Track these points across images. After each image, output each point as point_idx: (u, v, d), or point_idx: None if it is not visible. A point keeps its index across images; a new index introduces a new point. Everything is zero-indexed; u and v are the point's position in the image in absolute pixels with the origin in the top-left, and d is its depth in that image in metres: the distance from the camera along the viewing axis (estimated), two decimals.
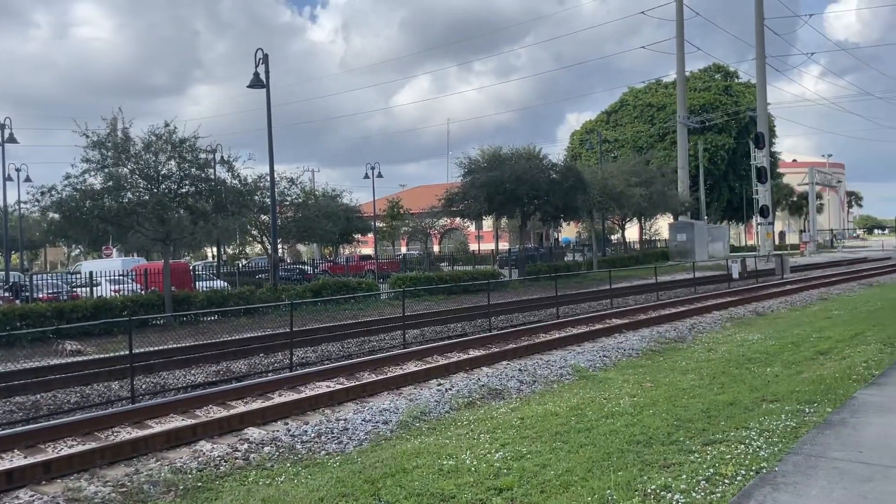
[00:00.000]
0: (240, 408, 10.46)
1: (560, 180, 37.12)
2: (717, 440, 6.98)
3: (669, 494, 5.53)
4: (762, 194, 50.37)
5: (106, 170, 21.51)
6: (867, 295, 24.01)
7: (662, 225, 64.58)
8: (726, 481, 5.78)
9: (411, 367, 13.27)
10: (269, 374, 13.31)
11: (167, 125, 22.33)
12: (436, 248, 71.34)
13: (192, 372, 13.81)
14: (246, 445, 8.21)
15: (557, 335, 16.44)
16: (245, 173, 24.92)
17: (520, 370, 12.18)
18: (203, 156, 23.44)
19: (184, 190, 22.91)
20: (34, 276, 29.46)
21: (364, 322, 20.04)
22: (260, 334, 18.10)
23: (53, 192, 21.16)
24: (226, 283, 30.68)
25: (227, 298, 23.77)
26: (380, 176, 48.12)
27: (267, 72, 25.80)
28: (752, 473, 5.89)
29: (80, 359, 15.22)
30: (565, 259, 50.21)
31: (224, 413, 10.07)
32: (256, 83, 25.56)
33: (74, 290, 25.88)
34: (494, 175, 35.26)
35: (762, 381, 9.83)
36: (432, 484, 6.15)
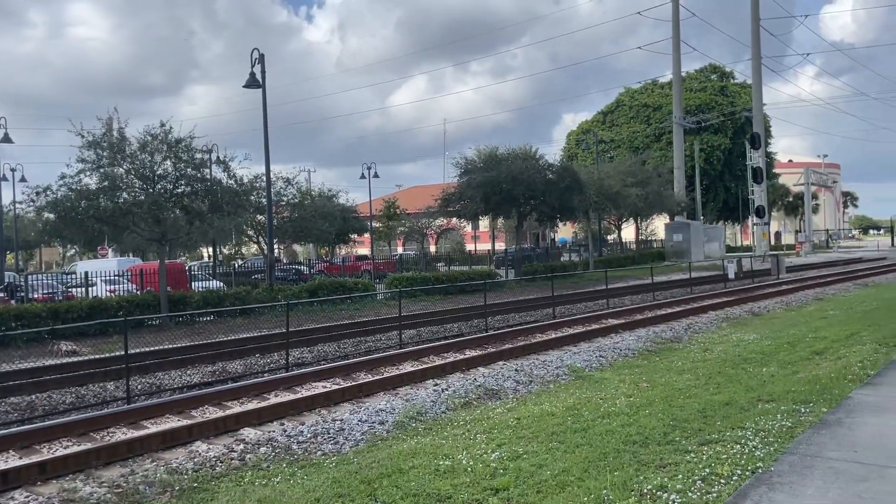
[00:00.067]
0: (236, 408, 10.44)
1: (556, 180, 37.15)
2: (713, 440, 7.00)
3: (665, 494, 5.54)
4: (758, 194, 50.47)
5: (101, 170, 21.46)
6: (862, 295, 24.08)
7: (658, 225, 64.65)
8: (722, 481, 5.79)
9: (408, 367, 13.26)
10: (266, 375, 13.29)
11: (163, 125, 22.29)
12: (432, 249, 71.22)
13: (188, 372, 13.78)
14: (242, 446, 8.19)
15: (554, 335, 16.44)
16: (241, 173, 24.85)
17: (516, 370, 12.18)
18: (199, 156, 23.38)
19: (179, 190, 22.86)
20: (29, 277, 29.39)
21: (360, 322, 20.02)
22: (256, 335, 18.07)
23: (49, 193, 21.10)
24: (222, 284, 30.63)
25: (223, 299, 23.73)
26: (376, 176, 48.17)
27: (263, 72, 25.76)
28: (748, 473, 5.90)
29: (75, 359, 15.18)
30: (562, 259, 50.27)
31: (220, 413, 10.05)
32: (252, 83, 25.53)
33: (70, 290, 25.82)
34: (491, 175, 35.27)
35: (758, 381, 9.85)
36: (429, 484, 6.14)
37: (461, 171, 37.98)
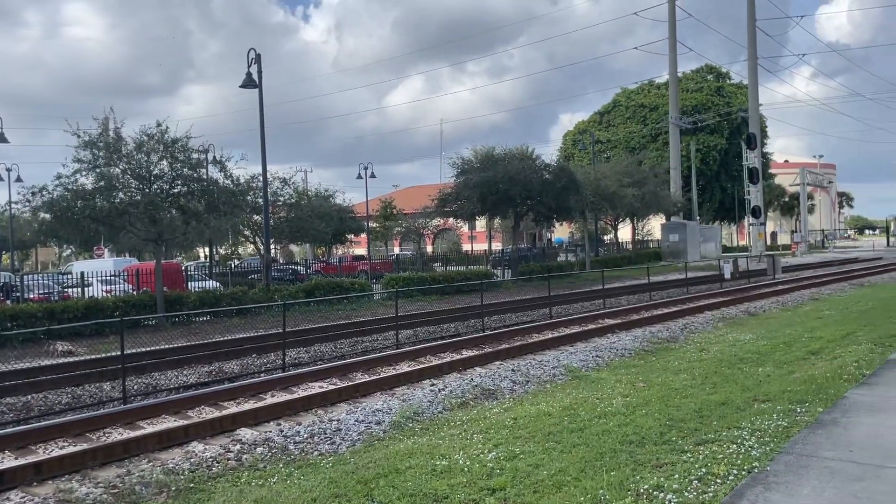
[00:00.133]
0: (232, 408, 10.43)
1: (553, 181, 37.19)
2: (710, 440, 7.01)
3: (662, 494, 5.55)
4: (754, 195, 50.60)
5: (97, 170, 21.43)
6: (858, 295, 24.13)
7: (655, 225, 64.77)
8: (718, 481, 5.80)
9: (404, 367, 13.26)
10: (262, 375, 13.27)
11: (159, 125, 22.27)
12: (429, 249, 71.29)
13: (185, 372, 13.76)
14: (238, 446, 8.18)
15: (550, 335, 16.45)
16: (237, 173, 24.85)
17: (513, 370, 12.18)
18: (195, 156, 23.39)
19: (176, 190, 22.83)
20: (25, 277, 29.30)
21: (357, 322, 20.01)
22: (252, 335, 18.05)
23: (44, 192, 21.07)
24: (218, 284, 30.59)
25: (219, 299, 23.70)
26: (373, 176, 48.01)
27: (259, 72, 25.75)
28: (743, 473, 5.91)
29: (71, 359, 15.14)
30: (558, 259, 50.34)
31: (216, 414, 10.04)
32: (249, 83, 25.50)
33: (66, 290, 25.74)
34: (487, 175, 35.29)
35: (754, 381, 9.87)
36: (425, 484, 6.15)
37: (458, 172, 38.01)
